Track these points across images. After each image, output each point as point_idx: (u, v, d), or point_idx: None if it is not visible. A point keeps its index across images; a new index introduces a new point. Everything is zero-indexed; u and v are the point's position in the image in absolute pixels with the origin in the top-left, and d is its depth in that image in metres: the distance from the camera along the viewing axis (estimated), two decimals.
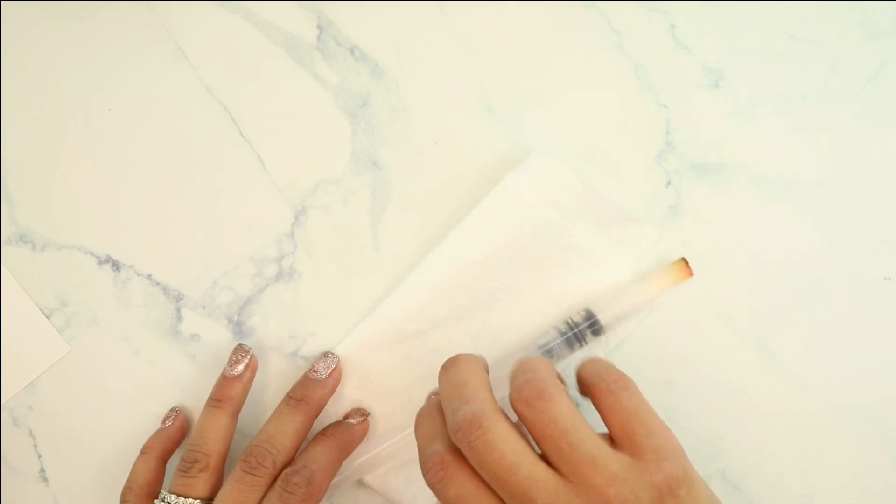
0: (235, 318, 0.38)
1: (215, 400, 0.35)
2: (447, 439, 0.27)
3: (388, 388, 0.36)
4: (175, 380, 0.38)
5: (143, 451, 0.35)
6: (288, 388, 0.37)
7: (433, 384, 0.35)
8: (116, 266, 0.38)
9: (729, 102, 0.37)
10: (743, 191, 0.37)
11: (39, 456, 0.38)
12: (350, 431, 0.35)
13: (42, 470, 0.38)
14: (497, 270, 0.36)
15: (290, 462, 0.33)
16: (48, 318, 0.38)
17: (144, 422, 0.38)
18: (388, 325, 0.36)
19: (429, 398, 0.33)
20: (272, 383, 0.38)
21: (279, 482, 0.32)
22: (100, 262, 0.39)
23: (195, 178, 0.39)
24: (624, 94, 0.38)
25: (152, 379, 0.38)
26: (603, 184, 0.37)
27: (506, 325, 0.35)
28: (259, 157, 0.39)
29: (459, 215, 0.37)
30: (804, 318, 0.36)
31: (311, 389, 0.35)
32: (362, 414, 0.36)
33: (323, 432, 0.35)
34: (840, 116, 0.37)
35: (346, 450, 0.34)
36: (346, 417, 0.36)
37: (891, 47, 0.37)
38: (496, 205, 0.36)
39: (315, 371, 0.36)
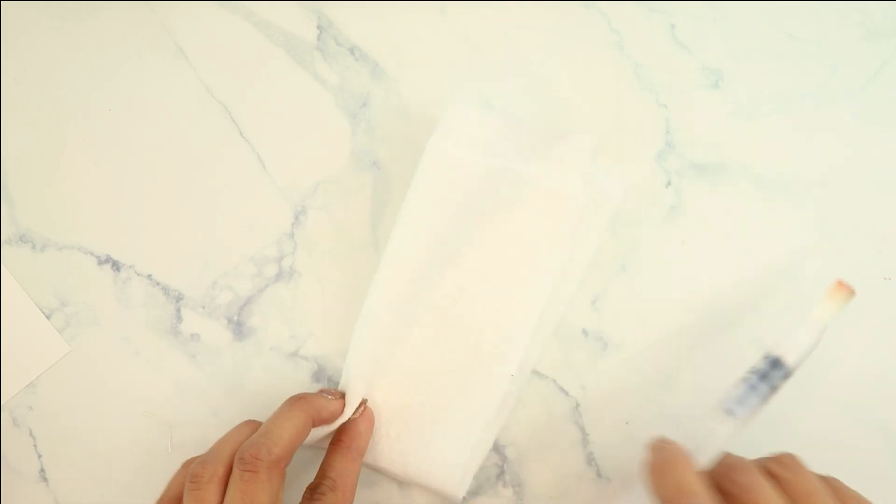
0: (235, 318, 0.38)
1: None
2: (703, 488, 0.28)
3: (396, 383, 0.36)
4: (175, 380, 0.38)
5: (184, 466, 0.34)
6: (287, 391, 0.37)
7: (436, 370, 0.35)
8: (116, 266, 0.38)
9: (729, 102, 0.37)
10: (743, 191, 0.37)
11: (39, 456, 0.38)
12: (356, 429, 0.35)
13: (42, 470, 0.38)
14: (456, 235, 0.35)
15: (289, 456, 0.32)
16: (48, 318, 0.38)
17: (144, 422, 0.38)
18: (378, 333, 0.36)
19: (658, 446, 0.31)
20: (272, 384, 0.38)
21: (305, 495, 0.32)
22: (100, 262, 0.39)
23: (195, 178, 0.39)
24: (624, 94, 0.38)
25: (152, 379, 0.38)
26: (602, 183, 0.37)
27: (484, 281, 0.35)
28: (259, 157, 0.39)
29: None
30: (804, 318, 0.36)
31: (315, 396, 0.34)
32: (360, 403, 0.35)
33: (332, 441, 0.34)
34: (840, 116, 0.37)
35: (360, 449, 0.34)
36: None
37: (891, 47, 0.37)
38: (430, 174, 0.36)
39: (329, 393, 0.35)
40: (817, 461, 0.35)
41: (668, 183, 0.37)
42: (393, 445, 0.35)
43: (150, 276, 0.38)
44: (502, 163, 0.35)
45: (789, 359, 0.32)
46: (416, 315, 0.36)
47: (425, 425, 0.35)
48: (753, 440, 0.36)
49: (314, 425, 0.33)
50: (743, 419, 0.31)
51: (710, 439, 0.31)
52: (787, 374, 0.32)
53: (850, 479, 0.35)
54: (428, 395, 0.35)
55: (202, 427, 0.38)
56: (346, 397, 0.35)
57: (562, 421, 0.37)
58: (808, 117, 0.37)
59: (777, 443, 0.36)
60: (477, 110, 0.36)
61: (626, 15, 0.38)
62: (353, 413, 0.35)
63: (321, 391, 0.35)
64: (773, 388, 0.32)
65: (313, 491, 0.32)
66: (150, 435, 0.38)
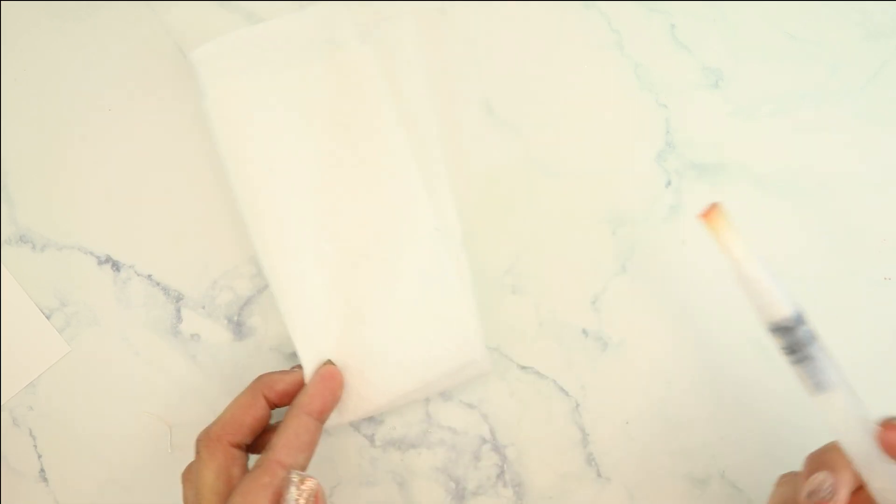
0: (235, 318, 0.38)
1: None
2: None
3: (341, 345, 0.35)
4: (175, 380, 0.38)
5: None
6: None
7: (373, 279, 0.35)
8: (116, 266, 0.38)
9: (729, 102, 0.37)
10: (743, 191, 0.37)
11: (39, 456, 0.38)
12: (304, 388, 0.34)
13: (42, 470, 0.38)
14: (294, 157, 0.35)
15: (232, 432, 0.32)
16: (48, 318, 0.38)
17: (144, 422, 0.38)
18: (297, 290, 0.35)
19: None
20: None
21: None
22: (100, 262, 0.39)
23: (195, 177, 0.39)
24: (624, 94, 0.38)
25: (152, 379, 0.38)
26: (603, 184, 0.37)
27: (350, 177, 0.35)
28: None
29: (458, 215, 0.37)
30: None
31: (269, 373, 0.34)
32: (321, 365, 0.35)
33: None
34: (840, 116, 0.37)
35: (303, 405, 0.33)
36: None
37: (891, 47, 0.37)
38: (229, 119, 0.35)
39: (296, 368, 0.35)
40: None
41: (668, 183, 0.37)
42: (393, 370, 0.34)
43: (150, 276, 0.38)
44: (280, 64, 0.35)
45: (781, 313, 0.28)
46: (318, 250, 0.35)
47: (405, 328, 0.34)
48: (753, 440, 0.36)
49: (276, 401, 0.33)
50: (837, 381, 0.28)
51: (847, 418, 0.28)
52: (800, 318, 0.28)
53: None
54: (384, 304, 0.35)
55: (202, 427, 0.38)
56: (303, 365, 0.34)
57: (562, 421, 0.37)
58: (808, 117, 0.37)
59: (776, 442, 0.36)
60: (220, 40, 0.35)
61: (626, 15, 0.38)
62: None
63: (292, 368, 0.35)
64: (812, 336, 0.28)
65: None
66: (150, 435, 0.38)
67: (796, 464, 0.35)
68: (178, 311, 0.38)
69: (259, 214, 0.35)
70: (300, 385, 0.34)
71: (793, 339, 0.28)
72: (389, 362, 0.35)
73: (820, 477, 0.28)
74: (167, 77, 0.39)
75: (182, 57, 0.39)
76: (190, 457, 0.33)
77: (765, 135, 0.37)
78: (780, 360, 0.35)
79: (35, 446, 0.38)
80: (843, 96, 0.37)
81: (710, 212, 0.29)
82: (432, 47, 0.39)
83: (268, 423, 0.34)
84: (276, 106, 0.35)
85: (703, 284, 0.36)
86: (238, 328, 0.38)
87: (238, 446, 0.32)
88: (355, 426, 0.38)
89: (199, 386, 0.38)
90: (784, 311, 0.28)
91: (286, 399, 0.34)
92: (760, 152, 0.37)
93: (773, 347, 0.29)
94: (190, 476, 0.32)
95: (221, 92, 0.35)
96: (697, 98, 0.37)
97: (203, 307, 0.38)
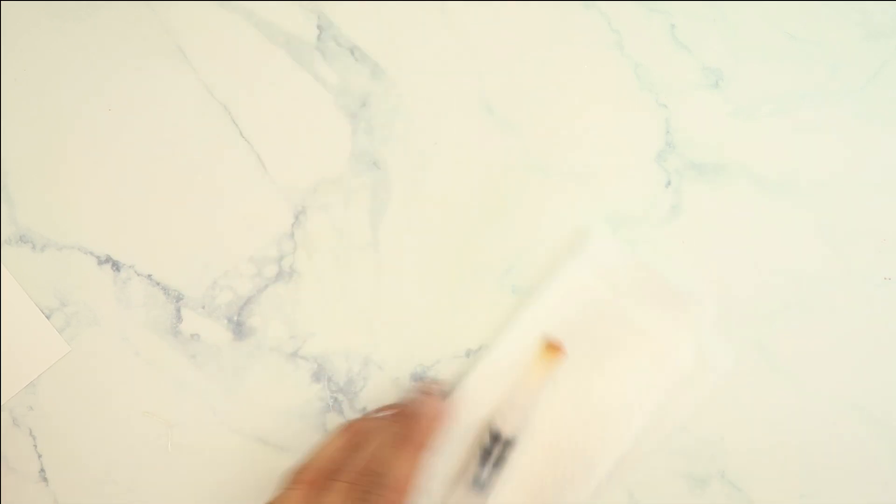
0: (235, 318, 0.38)
1: None
2: None
3: None
4: (175, 380, 0.38)
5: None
6: (287, 391, 0.37)
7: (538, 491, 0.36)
8: (116, 266, 0.38)
9: (729, 102, 0.37)
10: (743, 191, 0.37)
11: (39, 456, 0.38)
12: (417, 422, 0.34)
13: (42, 470, 0.38)
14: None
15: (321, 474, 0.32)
16: (48, 318, 0.38)
17: (144, 422, 0.38)
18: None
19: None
20: (272, 384, 0.38)
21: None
22: (100, 262, 0.39)
23: (195, 178, 0.39)
24: (624, 94, 0.38)
25: (152, 379, 0.38)
26: (603, 184, 0.37)
27: (580, 409, 0.36)
28: (259, 157, 0.39)
29: (459, 215, 0.37)
30: (804, 318, 0.36)
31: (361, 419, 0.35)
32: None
33: (396, 436, 0.34)
34: (840, 116, 0.37)
35: (419, 443, 0.33)
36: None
37: (891, 47, 0.37)
38: (561, 295, 0.36)
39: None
40: (818, 461, 0.35)
41: (668, 183, 0.37)
42: None
43: (150, 276, 0.38)
44: (623, 303, 0.36)
45: (507, 430, 0.35)
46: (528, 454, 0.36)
47: None
48: (753, 440, 0.36)
49: None
50: (487, 490, 0.35)
51: None
52: (509, 443, 0.35)
53: (851, 480, 0.35)
54: None
55: (202, 427, 0.38)
56: None
57: None
58: (808, 117, 0.37)
59: (776, 442, 0.36)
60: (618, 247, 0.37)
61: (626, 15, 0.38)
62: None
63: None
64: (500, 459, 0.35)
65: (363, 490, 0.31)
66: (150, 435, 0.38)
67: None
68: (178, 311, 0.38)
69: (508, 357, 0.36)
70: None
71: (499, 448, 0.35)
72: None
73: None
74: (167, 77, 0.39)
75: (182, 57, 0.39)
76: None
77: (765, 135, 0.37)
78: (776, 362, 0.35)
79: (35, 446, 0.38)
80: (843, 96, 0.37)
81: (555, 349, 0.36)
82: (433, 47, 0.39)
83: None
84: (597, 314, 0.36)
85: (703, 284, 0.36)
86: (238, 328, 0.38)
87: None
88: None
89: (199, 386, 0.38)
90: (510, 431, 0.35)
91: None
92: (760, 152, 0.37)
93: None
94: None
95: (587, 269, 0.36)
96: (697, 98, 0.37)
97: (203, 307, 0.38)
